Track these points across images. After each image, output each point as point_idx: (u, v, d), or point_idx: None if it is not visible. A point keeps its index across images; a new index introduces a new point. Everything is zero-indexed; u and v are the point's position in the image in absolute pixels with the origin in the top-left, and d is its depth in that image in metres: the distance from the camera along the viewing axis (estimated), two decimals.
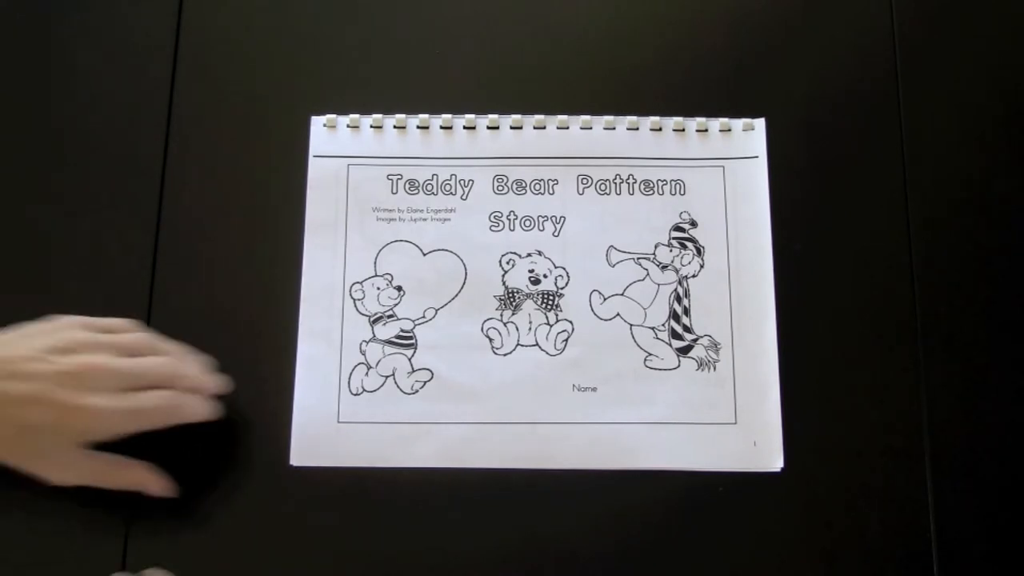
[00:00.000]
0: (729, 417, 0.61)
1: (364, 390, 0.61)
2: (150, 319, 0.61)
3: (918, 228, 0.63)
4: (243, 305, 0.61)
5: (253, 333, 0.62)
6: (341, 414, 0.60)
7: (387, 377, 0.61)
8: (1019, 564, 0.58)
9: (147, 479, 0.56)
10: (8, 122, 0.65)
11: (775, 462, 0.60)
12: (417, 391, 0.61)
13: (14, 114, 0.65)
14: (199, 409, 0.56)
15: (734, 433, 0.60)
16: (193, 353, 0.58)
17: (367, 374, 0.61)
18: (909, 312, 0.62)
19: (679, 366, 0.62)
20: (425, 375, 0.61)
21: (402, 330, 0.62)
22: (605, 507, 0.59)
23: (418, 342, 0.62)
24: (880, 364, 0.61)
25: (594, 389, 0.61)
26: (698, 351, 0.62)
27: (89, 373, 0.52)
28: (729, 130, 0.65)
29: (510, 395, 0.61)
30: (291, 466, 0.59)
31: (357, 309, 0.62)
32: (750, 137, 0.65)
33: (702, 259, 0.63)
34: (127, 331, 0.57)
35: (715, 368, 0.61)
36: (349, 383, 0.61)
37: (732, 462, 0.60)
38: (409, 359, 0.62)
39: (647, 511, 0.59)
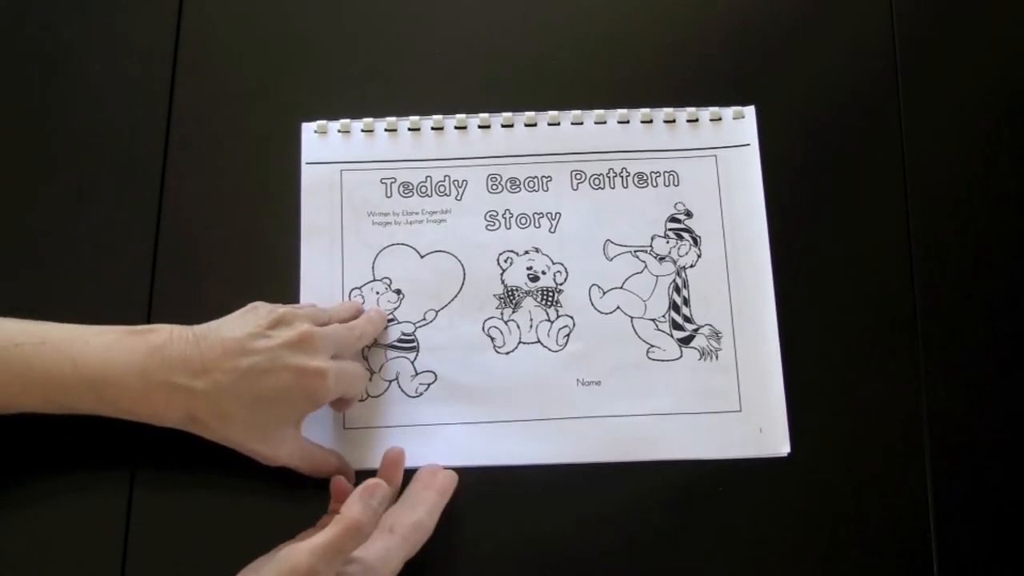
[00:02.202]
0: (734, 405, 0.61)
1: (369, 395, 0.61)
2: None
3: (917, 216, 0.64)
4: None
5: None
6: (347, 420, 0.60)
7: (391, 381, 0.61)
8: (1019, 563, 0.59)
9: (345, 468, 0.58)
10: (8, 122, 0.65)
11: (782, 447, 0.60)
12: (421, 393, 0.61)
13: (14, 115, 0.65)
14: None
15: (740, 420, 0.60)
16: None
17: (371, 379, 0.61)
18: (908, 295, 0.62)
19: (681, 356, 0.62)
20: (429, 377, 0.61)
21: (403, 333, 0.62)
22: (615, 499, 0.59)
23: (420, 344, 0.62)
24: (879, 346, 0.62)
25: (598, 383, 0.61)
26: (700, 341, 0.62)
27: (308, 339, 0.54)
28: (719, 119, 0.66)
29: (514, 393, 0.61)
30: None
31: None
32: (740, 125, 0.65)
33: (699, 249, 0.64)
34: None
35: (717, 357, 0.62)
36: None
37: (739, 449, 0.60)
38: (412, 362, 0.62)
39: (657, 501, 0.59)
